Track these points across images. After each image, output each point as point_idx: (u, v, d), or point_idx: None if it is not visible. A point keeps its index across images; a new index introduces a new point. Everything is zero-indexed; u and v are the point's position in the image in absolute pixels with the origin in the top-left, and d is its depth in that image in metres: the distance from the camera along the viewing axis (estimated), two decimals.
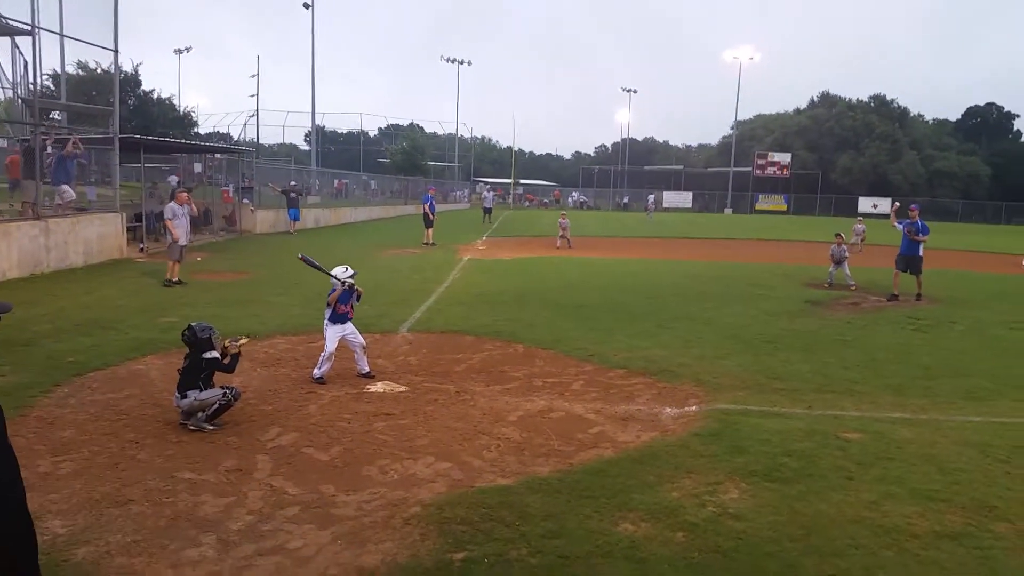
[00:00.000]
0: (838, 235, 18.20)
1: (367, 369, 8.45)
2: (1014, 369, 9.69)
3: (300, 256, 8.65)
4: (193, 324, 6.85)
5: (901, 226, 15.73)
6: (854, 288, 16.79)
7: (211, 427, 6.56)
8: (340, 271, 8.25)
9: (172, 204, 15.55)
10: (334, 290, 8.17)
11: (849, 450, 6.36)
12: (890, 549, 4.63)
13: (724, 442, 6.45)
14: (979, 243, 37.55)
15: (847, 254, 17.58)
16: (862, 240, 29.17)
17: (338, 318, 8.25)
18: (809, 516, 5.06)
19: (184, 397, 6.59)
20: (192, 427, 6.54)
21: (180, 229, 15.15)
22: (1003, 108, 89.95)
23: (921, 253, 15.60)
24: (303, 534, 4.68)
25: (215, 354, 6.76)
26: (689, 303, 14.37)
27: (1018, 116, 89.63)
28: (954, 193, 79.44)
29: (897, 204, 17.23)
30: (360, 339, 8.44)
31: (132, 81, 48.44)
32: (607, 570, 4.28)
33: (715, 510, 5.12)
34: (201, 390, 6.62)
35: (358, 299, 8.41)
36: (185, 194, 16.07)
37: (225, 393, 6.69)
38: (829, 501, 5.31)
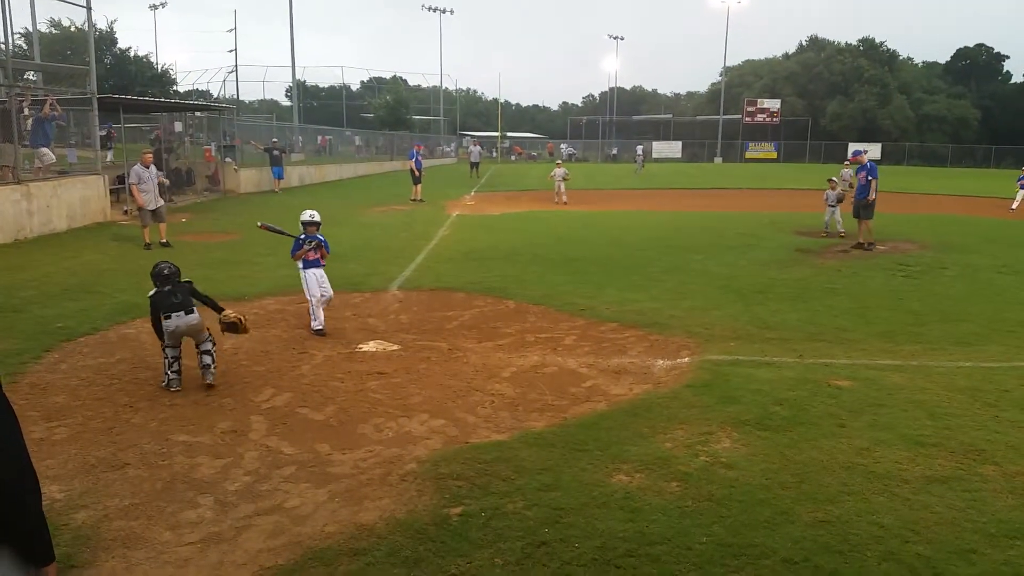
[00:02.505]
0: (831, 180, 18.29)
1: (321, 326, 8.46)
2: (1003, 313, 9.77)
3: (260, 224, 8.71)
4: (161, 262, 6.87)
5: (848, 175, 15.72)
6: (843, 235, 16.84)
7: (210, 379, 6.62)
8: (305, 216, 8.41)
9: (137, 167, 14.84)
10: (299, 246, 8.27)
11: (840, 397, 6.43)
12: (882, 494, 4.70)
13: (716, 392, 6.51)
14: (969, 187, 37.57)
15: (842, 196, 17.67)
16: (850, 185, 29.14)
17: (309, 264, 8.40)
18: (801, 463, 5.13)
19: (191, 312, 6.57)
20: (208, 369, 6.62)
21: (147, 195, 14.57)
22: (992, 49, 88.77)
23: (873, 196, 15.08)
24: (300, 493, 4.72)
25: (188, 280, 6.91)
26: (679, 255, 14.37)
27: (1008, 57, 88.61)
28: (943, 137, 79.10)
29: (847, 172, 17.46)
30: (330, 291, 8.51)
31: (107, 39, 47.35)
32: (602, 520, 4.33)
33: (707, 459, 5.18)
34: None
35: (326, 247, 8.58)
36: (150, 155, 15.44)
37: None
38: (821, 448, 5.38)
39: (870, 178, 15.09)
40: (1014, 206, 24.27)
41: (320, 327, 8.28)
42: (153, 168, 15.06)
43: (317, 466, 5.13)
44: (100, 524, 4.31)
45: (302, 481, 4.90)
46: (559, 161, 29.52)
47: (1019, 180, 25.22)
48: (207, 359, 6.65)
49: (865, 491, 4.74)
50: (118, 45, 48.77)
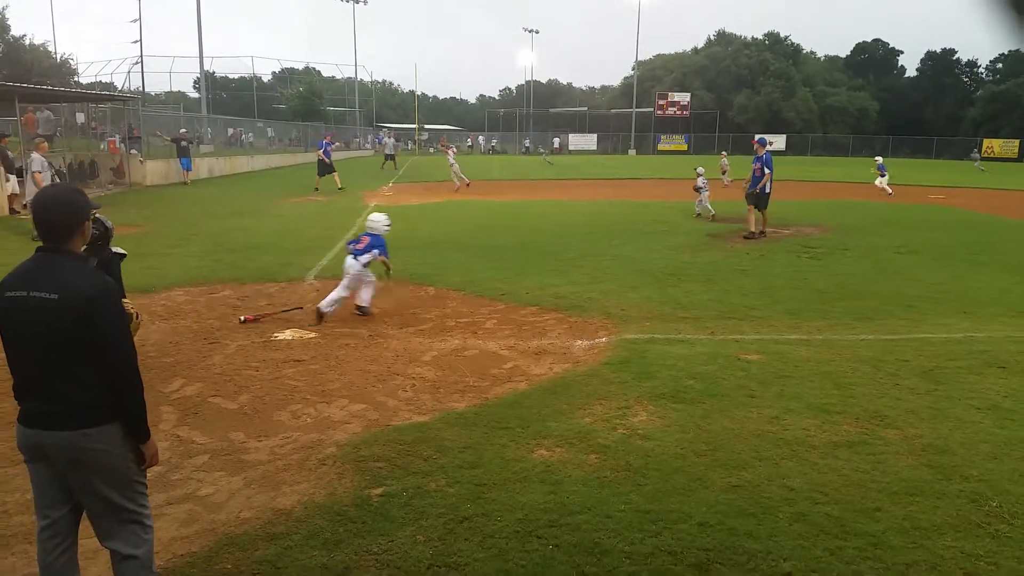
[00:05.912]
0: (697, 169, 19.84)
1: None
2: (902, 290, 10.29)
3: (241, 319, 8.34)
4: (98, 216, 6.41)
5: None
6: (713, 217, 18.22)
7: None
8: (381, 218, 9.16)
9: (37, 155, 15.53)
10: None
11: (750, 370, 6.66)
12: (791, 459, 4.89)
13: (633, 369, 6.64)
14: (869, 175, 39.30)
15: (708, 187, 19.16)
16: (724, 173, 30.40)
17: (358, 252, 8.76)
18: (714, 433, 5.29)
19: None
20: None
21: (47, 182, 15.17)
22: (888, 44, 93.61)
23: (768, 190, 15.08)
24: (214, 481, 4.58)
25: (122, 251, 6.50)
26: (596, 241, 14.58)
27: (902, 52, 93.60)
28: (845, 128, 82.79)
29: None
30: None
31: None
32: (524, 494, 4.37)
33: (625, 432, 5.28)
34: None
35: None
36: (45, 144, 16.11)
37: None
38: (733, 418, 5.56)
39: (766, 169, 14.98)
40: (889, 192, 25.99)
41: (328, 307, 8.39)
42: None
43: (231, 454, 4.99)
44: None
45: (216, 470, 4.75)
46: (452, 148, 30.96)
47: (878, 167, 26.85)
48: None
49: (775, 457, 4.93)
50: (11, 32, 46.14)
